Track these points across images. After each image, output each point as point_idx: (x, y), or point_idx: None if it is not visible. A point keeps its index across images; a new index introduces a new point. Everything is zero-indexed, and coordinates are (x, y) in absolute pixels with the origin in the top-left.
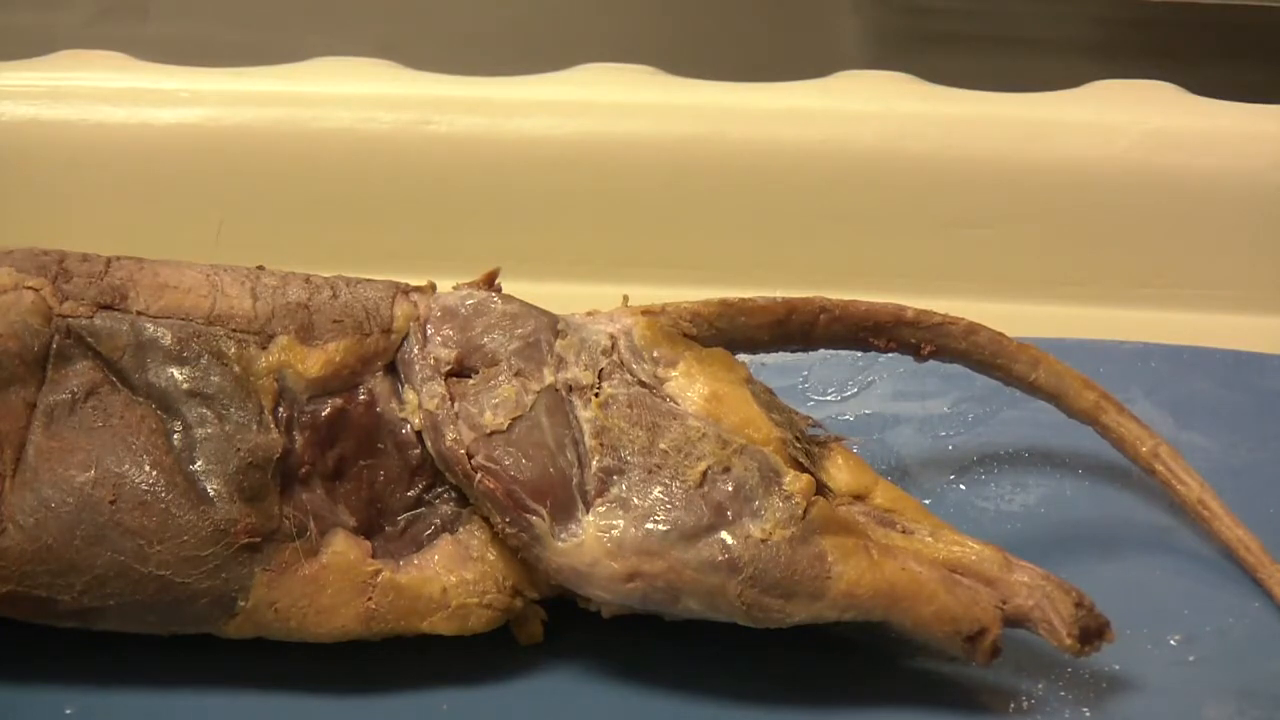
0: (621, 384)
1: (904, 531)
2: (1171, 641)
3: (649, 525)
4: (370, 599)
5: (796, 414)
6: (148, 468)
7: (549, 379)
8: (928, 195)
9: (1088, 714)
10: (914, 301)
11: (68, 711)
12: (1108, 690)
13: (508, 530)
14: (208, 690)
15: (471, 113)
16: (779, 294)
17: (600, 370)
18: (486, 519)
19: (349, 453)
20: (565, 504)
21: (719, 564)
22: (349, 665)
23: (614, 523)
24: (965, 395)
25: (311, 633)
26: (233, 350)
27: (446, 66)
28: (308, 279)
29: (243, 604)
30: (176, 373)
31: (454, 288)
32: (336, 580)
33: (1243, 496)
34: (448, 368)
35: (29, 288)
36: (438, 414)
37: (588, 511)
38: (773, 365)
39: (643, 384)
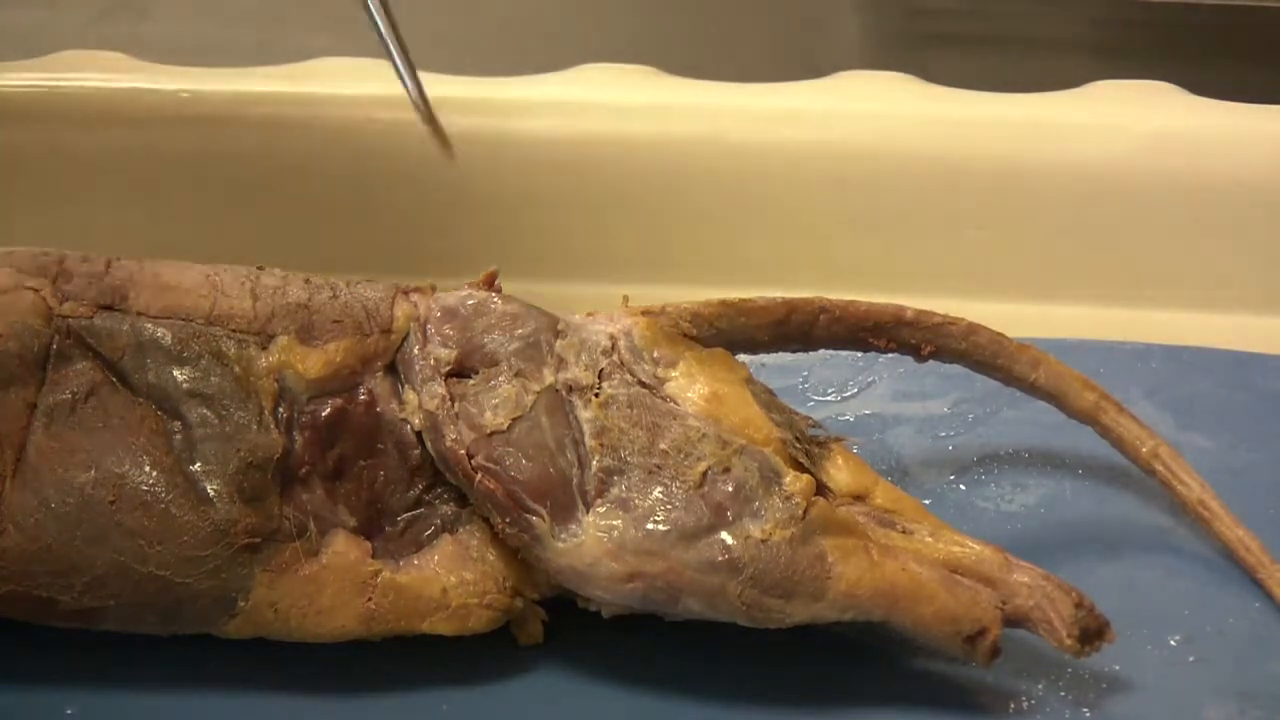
0: (622, 384)
1: (904, 531)
2: (1171, 641)
3: (649, 525)
4: (370, 599)
5: (796, 414)
6: (148, 468)
7: (549, 379)
8: (927, 195)
9: (1088, 714)
10: (914, 301)
11: (68, 711)
12: (1108, 690)
13: (508, 530)
14: (208, 690)
15: (471, 113)
16: (779, 294)
17: (600, 370)
18: (486, 519)
19: (349, 453)
20: (565, 504)
21: (719, 564)
22: (349, 665)
23: (614, 523)
24: (965, 395)
25: (311, 633)
26: (233, 350)
27: (447, 66)
28: (308, 279)
29: (243, 604)
30: (176, 373)
31: (454, 288)
32: (336, 580)
33: (1243, 496)
34: (448, 368)
35: (29, 288)
36: (438, 414)
37: (588, 512)
38: (773, 365)
39: (643, 384)
